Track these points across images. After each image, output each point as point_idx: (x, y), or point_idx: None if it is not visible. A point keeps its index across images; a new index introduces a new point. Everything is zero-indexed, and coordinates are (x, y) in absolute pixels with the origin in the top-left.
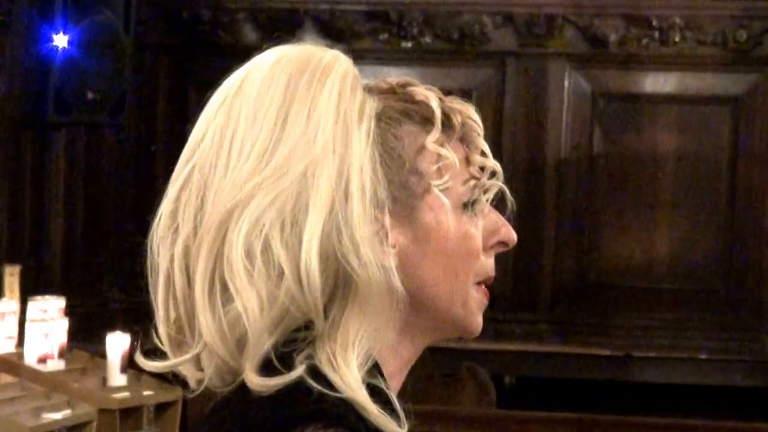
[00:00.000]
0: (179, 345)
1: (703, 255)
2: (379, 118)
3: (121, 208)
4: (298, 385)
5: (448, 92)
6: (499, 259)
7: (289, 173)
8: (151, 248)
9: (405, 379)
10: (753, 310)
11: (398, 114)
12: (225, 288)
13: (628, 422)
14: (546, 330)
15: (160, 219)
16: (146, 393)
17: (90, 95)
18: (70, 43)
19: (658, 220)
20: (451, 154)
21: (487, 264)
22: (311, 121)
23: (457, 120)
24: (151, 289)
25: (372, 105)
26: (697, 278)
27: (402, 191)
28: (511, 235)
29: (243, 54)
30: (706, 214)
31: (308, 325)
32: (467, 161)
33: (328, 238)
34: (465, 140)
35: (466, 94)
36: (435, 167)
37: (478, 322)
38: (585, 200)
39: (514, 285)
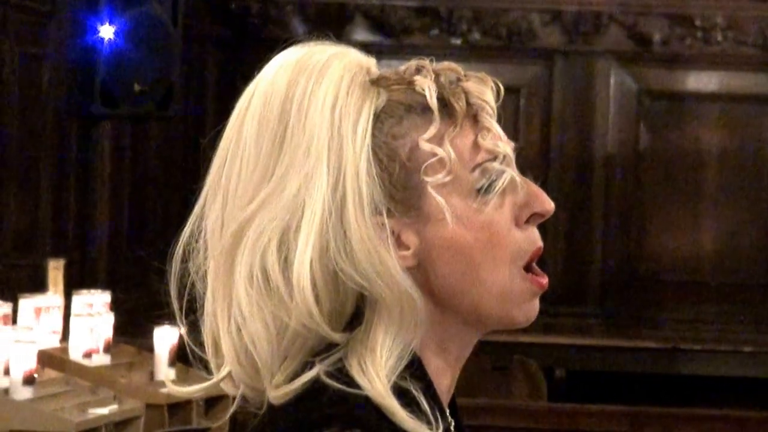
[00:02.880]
0: (219, 363)
1: (747, 249)
2: (379, 116)
3: (167, 201)
4: (319, 389)
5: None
6: (548, 252)
7: (286, 190)
8: (174, 267)
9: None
10: None
11: (400, 109)
12: (236, 314)
13: (679, 414)
14: (595, 323)
15: (186, 235)
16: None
17: (137, 88)
18: (116, 34)
19: (703, 214)
20: (447, 149)
21: (527, 239)
22: (305, 132)
23: (460, 105)
24: (176, 310)
25: (373, 102)
26: (742, 272)
27: (403, 192)
28: (546, 204)
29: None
30: (750, 209)
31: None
32: (476, 146)
33: (327, 254)
34: (475, 122)
35: (514, 91)
36: (427, 164)
37: (525, 310)
38: (632, 195)
39: (563, 278)
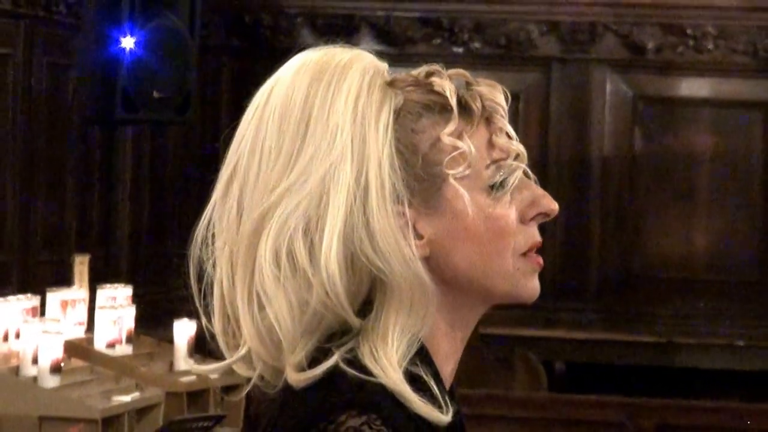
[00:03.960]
0: (234, 345)
1: (738, 248)
2: (399, 112)
3: (185, 201)
4: (337, 375)
5: None
6: (548, 251)
7: (311, 179)
8: (194, 254)
9: (461, 359)
10: None
11: (418, 107)
12: (260, 294)
13: (673, 405)
14: (593, 318)
15: (204, 224)
16: (212, 377)
17: (156, 94)
18: (137, 45)
19: (696, 215)
20: (467, 144)
21: (530, 235)
22: (330, 125)
23: (476, 105)
24: (195, 292)
25: (393, 100)
26: (733, 270)
27: (422, 183)
28: (551, 205)
29: None
30: (740, 210)
31: (348, 324)
32: (491, 144)
33: (350, 238)
34: (489, 123)
35: (513, 97)
36: (450, 157)
37: (529, 288)
38: (627, 197)
39: (562, 276)
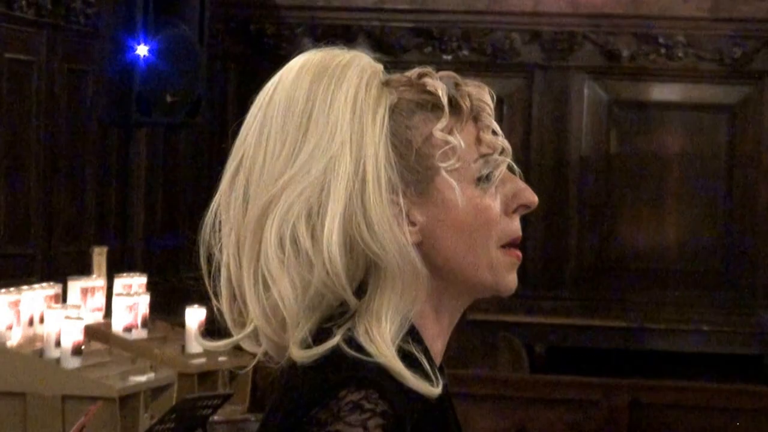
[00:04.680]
0: (240, 324)
1: (705, 241)
2: (394, 109)
3: (195, 197)
4: (337, 354)
5: None
6: (530, 243)
7: (313, 169)
8: (204, 239)
9: (449, 340)
10: (748, 288)
11: (412, 105)
12: (265, 276)
13: (645, 385)
14: (570, 305)
15: (213, 212)
16: (221, 359)
17: (168, 98)
18: (150, 52)
19: (667, 210)
20: (457, 139)
21: (512, 226)
22: (330, 120)
23: (466, 104)
24: (205, 274)
25: (388, 98)
26: (700, 261)
27: (415, 175)
28: (532, 197)
29: None
30: (707, 205)
31: (346, 304)
32: (478, 140)
33: (349, 224)
34: (477, 120)
35: (498, 101)
36: (442, 151)
37: (508, 281)
38: (603, 193)
39: (543, 266)
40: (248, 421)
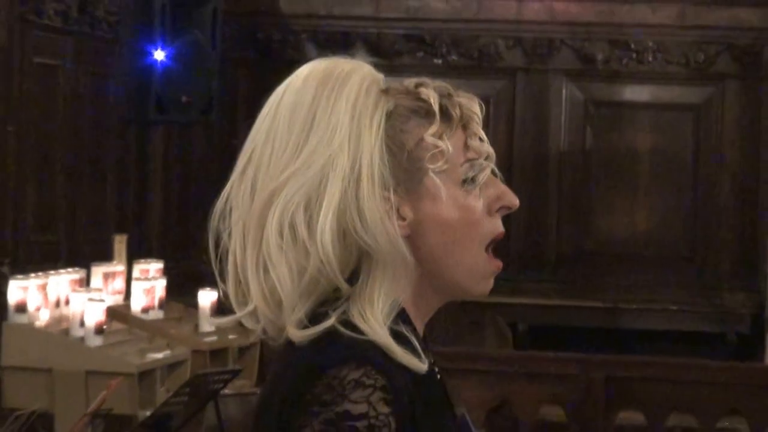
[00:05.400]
0: (244, 304)
1: (673, 229)
2: (390, 114)
3: (207, 189)
4: (333, 334)
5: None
6: (513, 231)
7: (313, 165)
8: (213, 225)
9: (434, 321)
10: (712, 272)
11: (407, 111)
12: (266, 261)
13: (619, 360)
14: (551, 287)
15: (224, 201)
16: (230, 337)
17: (183, 99)
18: (167, 57)
19: (638, 201)
20: (446, 143)
21: (494, 225)
22: (331, 122)
23: (456, 113)
24: (213, 258)
25: (385, 104)
26: (669, 247)
27: (406, 174)
28: (513, 199)
29: None
30: (675, 196)
31: (339, 291)
32: (466, 146)
33: (343, 216)
34: (465, 128)
35: (484, 102)
36: (432, 154)
37: (482, 286)
38: (580, 185)
39: (525, 252)
40: (256, 394)
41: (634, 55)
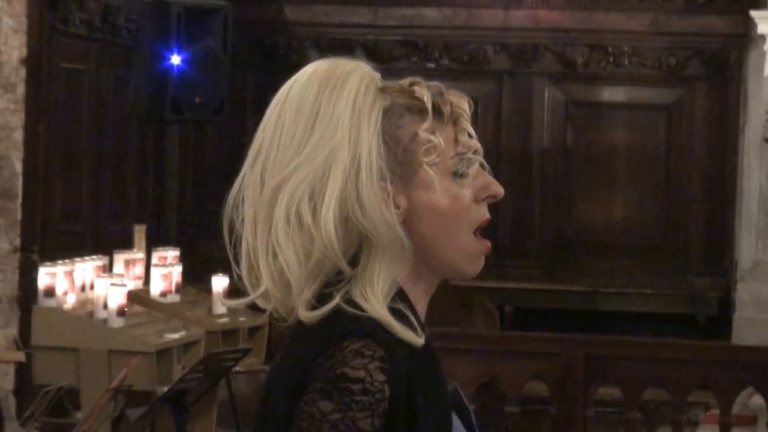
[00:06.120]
0: (256, 286)
1: (647, 219)
2: (387, 111)
3: (220, 183)
4: (338, 312)
5: None
6: (500, 221)
7: (317, 158)
8: (227, 213)
9: (430, 304)
10: (683, 259)
11: (402, 108)
12: (274, 246)
13: (597, 340)
14: (535, 272)
15: (236, 190)
16: (241, 319)
17: (197, 100)
18: (182, 62)
19: (615, 193)
20: (438, 138)
21: (481, 212)
22: (333, 118)
23: (447, 110)
24: (227, 243)
25: (382, 102)
26: (643, 235)
27: (401, 166)
28: (499, 189)
29: None
30: (649, 189)
31: (342, 273)
32: (456, 141)
33: (345, 204)
34: (456, 124)
35: (473, 102)
36: (425, 148)
37: (473, 266)
38: (562, 179)
39: (511, 240)
40: (264, 371)
41: (611, 59)
